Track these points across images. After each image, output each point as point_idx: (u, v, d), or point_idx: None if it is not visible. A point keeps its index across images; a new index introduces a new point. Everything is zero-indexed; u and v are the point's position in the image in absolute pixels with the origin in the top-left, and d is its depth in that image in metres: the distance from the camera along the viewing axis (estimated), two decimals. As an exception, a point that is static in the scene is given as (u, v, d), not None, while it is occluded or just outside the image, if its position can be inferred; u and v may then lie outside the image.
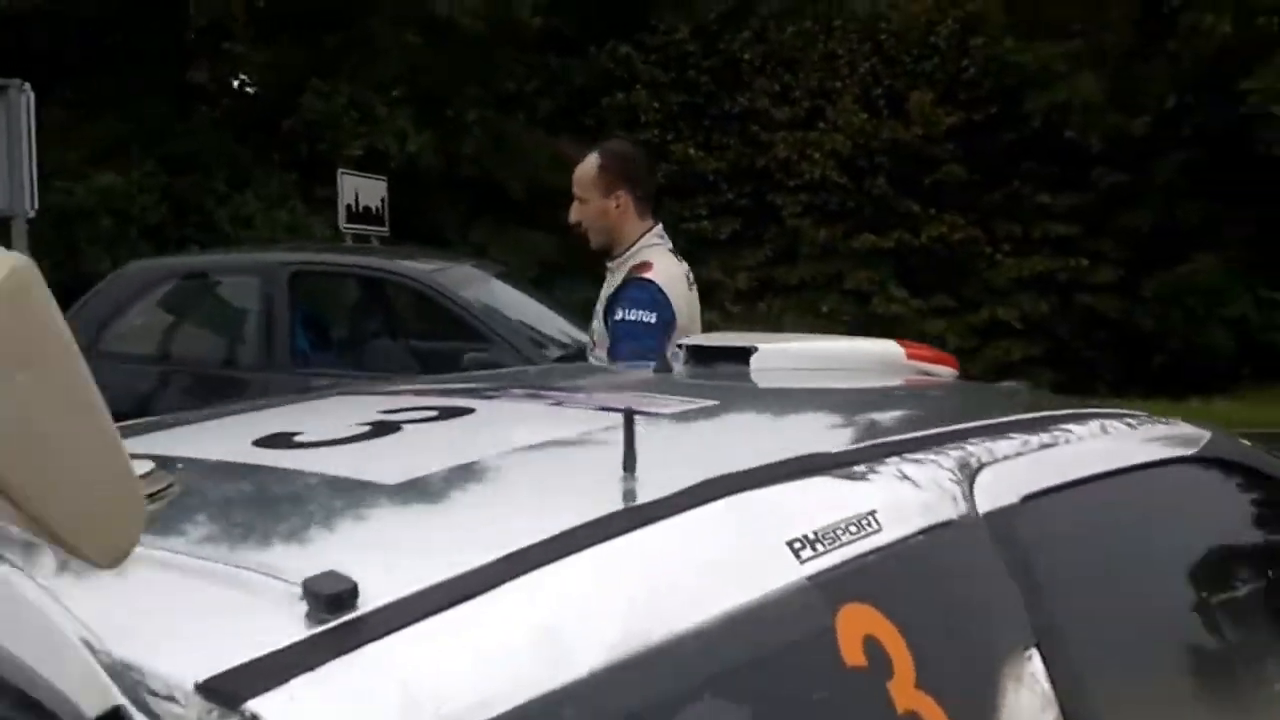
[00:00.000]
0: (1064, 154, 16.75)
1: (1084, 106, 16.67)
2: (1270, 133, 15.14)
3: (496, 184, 16.45)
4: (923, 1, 17.48)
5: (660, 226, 3.94)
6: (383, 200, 11.55)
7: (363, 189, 11.36)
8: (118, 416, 1.01)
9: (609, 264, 3.89)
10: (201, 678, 0.97)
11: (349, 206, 11.00)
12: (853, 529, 1.33)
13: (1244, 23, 15.81)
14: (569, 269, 12.76)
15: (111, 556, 1.00)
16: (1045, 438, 1.73)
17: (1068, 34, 17.33)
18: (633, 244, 3.84)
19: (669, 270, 3.80)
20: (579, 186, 3.90)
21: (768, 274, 17.07)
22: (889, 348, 2.60)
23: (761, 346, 2.34)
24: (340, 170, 11.64)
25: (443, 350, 7.68)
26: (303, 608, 1.05)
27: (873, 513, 1.37)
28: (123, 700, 0.97)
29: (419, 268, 8.60)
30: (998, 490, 1.53)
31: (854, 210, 16.81)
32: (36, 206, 8.42)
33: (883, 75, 17.27)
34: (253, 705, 0.95)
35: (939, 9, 17.40)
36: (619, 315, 3.69)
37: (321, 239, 13.59)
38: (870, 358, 2.58)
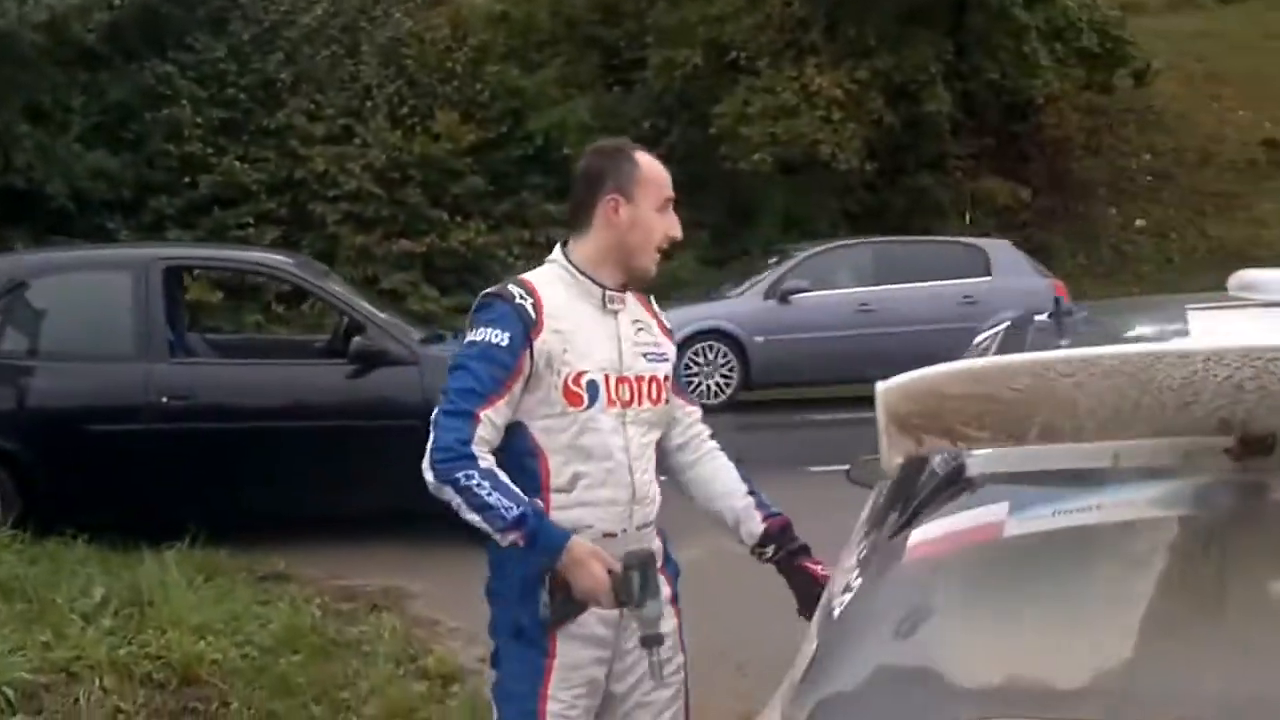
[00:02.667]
0: (562, 168, 18.06)
1: (577, 127, 18.12)
2: (735, 150, 17.05)
3: (43, 194, 15.73)
4: (440, 30, 18.16)
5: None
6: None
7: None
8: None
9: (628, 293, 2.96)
10: None
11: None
12: None
13: (714, 57, 17.76)
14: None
15: None
16: None
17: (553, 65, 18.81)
18: None
19: None
20: None
21: (309, 277, 17.19)
22: None
23: None
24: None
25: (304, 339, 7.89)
26: None
27: None
28: None
29: (283, 260, 8.77)
30: None
31: (389, 218, 17.04)
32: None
33: (408, 96, 17.66)
34: None
35: (455, 39, 18.12)
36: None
37: None
38: None
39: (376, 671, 5.76)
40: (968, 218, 19.21)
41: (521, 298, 2.78)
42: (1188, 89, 22.32)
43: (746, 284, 14.09)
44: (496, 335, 2.73)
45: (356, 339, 7.26)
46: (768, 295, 13.65)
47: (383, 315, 7.98)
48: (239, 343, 9.42)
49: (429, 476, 2.71)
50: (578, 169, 2.98)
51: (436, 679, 5.80)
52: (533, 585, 2.75)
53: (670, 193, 2.94)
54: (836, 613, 1.91)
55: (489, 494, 2.65)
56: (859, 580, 1.94)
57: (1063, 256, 19.63)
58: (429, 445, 2.71)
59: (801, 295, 13.51)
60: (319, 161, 16.98)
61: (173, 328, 7.55)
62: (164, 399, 7.21)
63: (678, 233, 2.93)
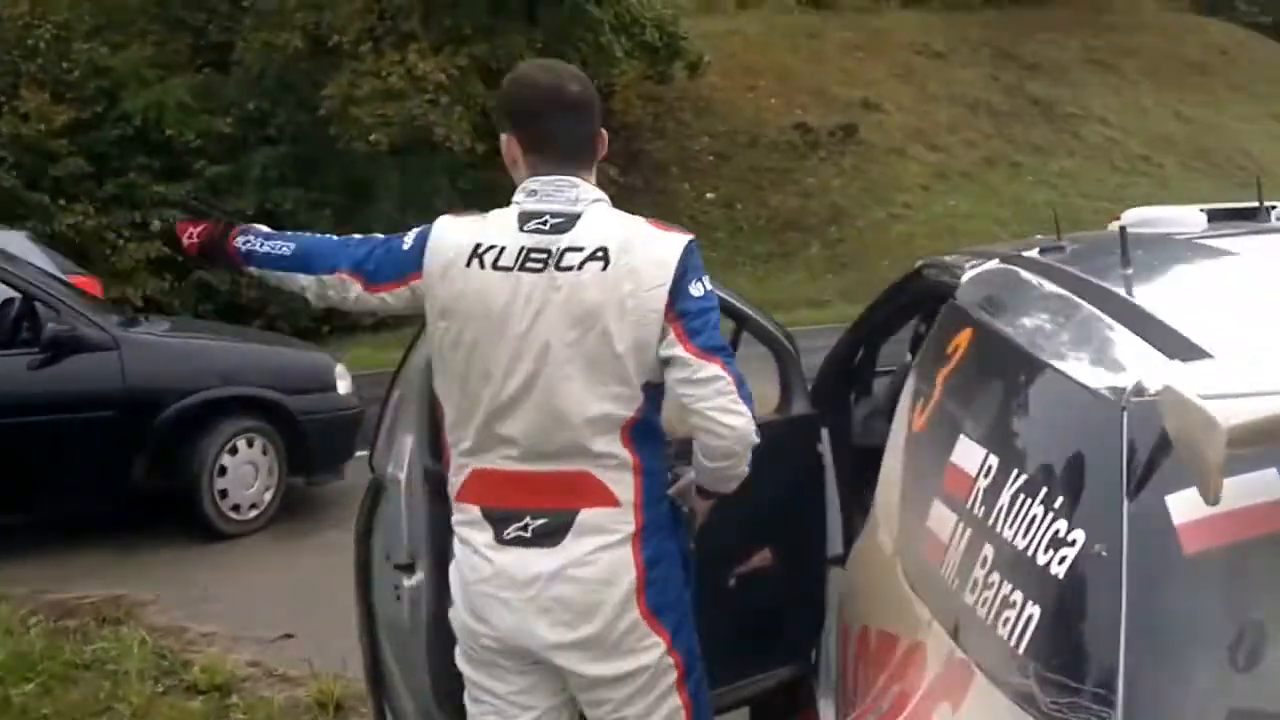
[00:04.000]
0: (167, 149, 16.22)
1: (176, 107, 16.34)
2: (347, 131, 15.94)
3: None
4: (18, 5, 15.78)
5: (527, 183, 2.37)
6: None
7: None
8: None
9: None
10: None
11: None
12: None
13: (313, 41, 16.52)
14: None
15: None
16: None
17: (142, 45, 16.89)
18: None
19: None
20: None
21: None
22: None
23: None
24: None
25: None
26: None
27: None
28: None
29: None
30: None
31: (-23, 203, 14.74)
32: None
33: (-15, 75, 15.35)
34: None
35: (35, 16, 15.82)
36: None
37: None
38: None
39: (134, 691, 4.74)
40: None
41: None
42: (729, 81, 23.38)
43: None
44: None
45: (49, 325, 5.89)
46: None
47: (75, 297, 6.59)
48: None
49: (752, 445, 2.22)
50: (569, 97, 2.29)
51: (210, 692, 4.81)
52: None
53: None
54: (1060, 572, 1.45)
55: None
56: (1094, 545, 1.44)
57: (649, 229, 20.01)
58: (750, 412, 2.20)
59: None
60: (-119, 144, 14.30)
61: None
62: None
63: None
